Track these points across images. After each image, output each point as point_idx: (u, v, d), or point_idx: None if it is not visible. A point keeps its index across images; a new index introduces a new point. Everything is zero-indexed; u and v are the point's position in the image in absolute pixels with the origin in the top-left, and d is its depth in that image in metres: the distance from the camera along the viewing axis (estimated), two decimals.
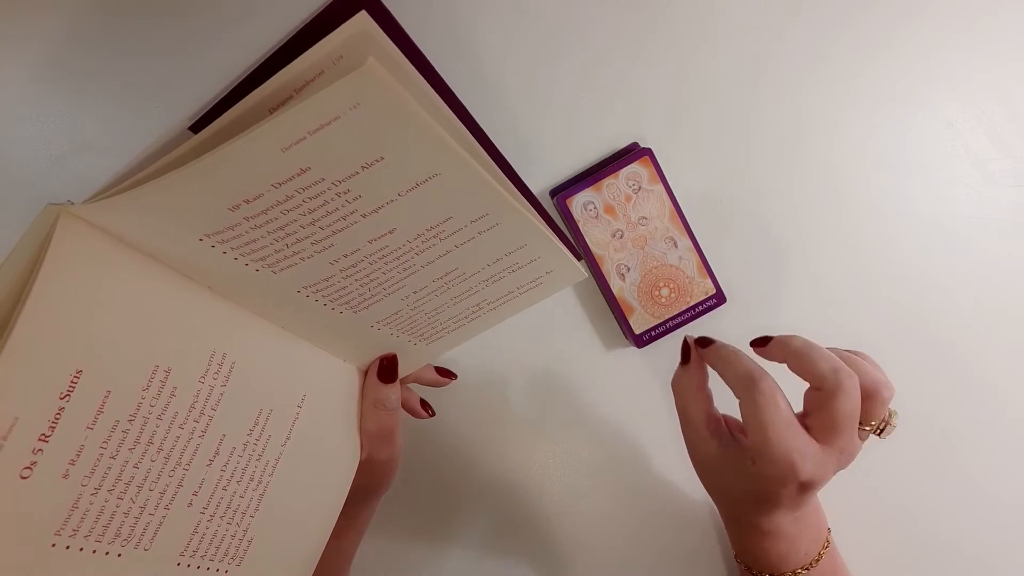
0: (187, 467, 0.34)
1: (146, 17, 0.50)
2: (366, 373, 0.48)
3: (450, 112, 0.36)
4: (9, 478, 0.27)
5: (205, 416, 0.35)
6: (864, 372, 0.42)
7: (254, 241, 0.33)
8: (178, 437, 0.33)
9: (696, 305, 0.58)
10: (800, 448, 0.40)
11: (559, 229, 0.45)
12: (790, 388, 0.42)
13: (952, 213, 0.61)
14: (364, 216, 0.34)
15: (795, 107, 0.59)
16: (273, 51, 0.33)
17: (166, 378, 0.32)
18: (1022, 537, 0.60)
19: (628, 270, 0.58)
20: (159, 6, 0.50)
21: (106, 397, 0.30)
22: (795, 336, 0.44)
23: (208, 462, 0.35)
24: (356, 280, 0.38)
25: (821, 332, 0.45)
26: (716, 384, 0.46)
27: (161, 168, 0.29)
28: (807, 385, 0.43)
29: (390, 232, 0.36)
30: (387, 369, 0.47)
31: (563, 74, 0.57)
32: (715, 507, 0.51)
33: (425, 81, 0.34)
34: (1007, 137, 0.60)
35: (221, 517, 0.36)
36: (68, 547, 0.29)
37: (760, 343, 0.45)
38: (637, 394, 0.60)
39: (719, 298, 0.59)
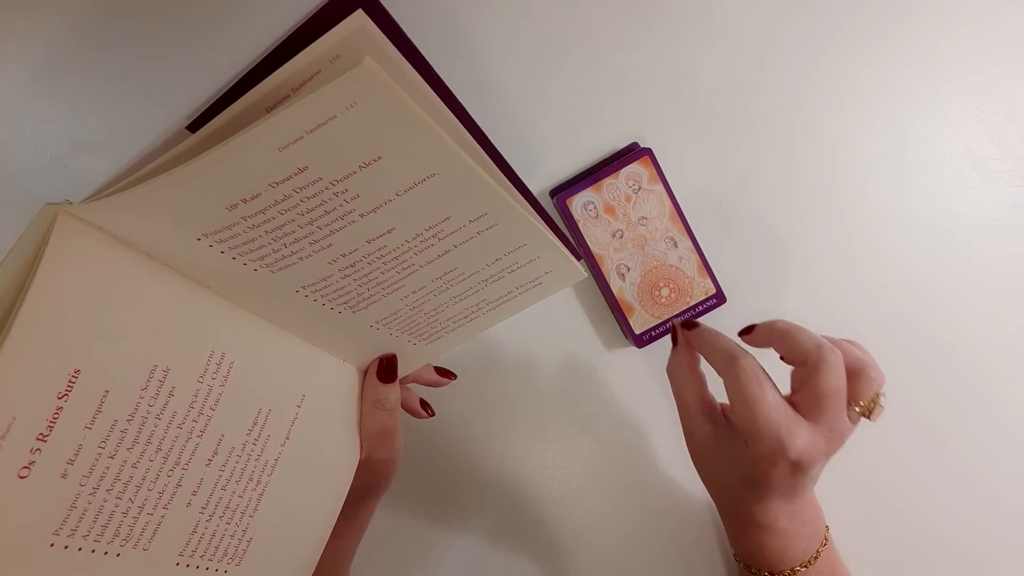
0: (186, 467, 0.34)
1: (146, 17, 0.50)
2: (365, 373, 0.48)
3: (448, 111, 0.36)
4: (7, 478, 0.27)
5: (204, 416, 0.35)
6: (849, 351, 0.43)
7: (252, 241, 0.33)
8: (177, 437, 0.33)
9: (696, 305, 0.58)
10: (788, 424, 0.40)
11: (559, 229, 0.45)
12: (781, 382, 0.43)
13: (952, 213, 0.61)
14: (362, 216, 0.34)
15: (795, 107, 0.59)
16: (270, 50, 0.33)
17: (164, 378, 0.32)
18: (1020, 536, 0.60)
19: (628, 270, 0.58)
20: (159, 6, 0.50)
21: (104, 397, 0.30)
22: (779, 320, 0.45)
23: (207, 462, 0.35)
24: (355, 280, 0.38)
25: (821, 331, 0.45)
26: (712, 379, 0.46)
27: (158, 167, 0.29)
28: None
29: (388, 232, 0.36)
30: (386, 369, 0.47)
31: (563, 74, 0.57)
32: (714, 505, 0.51)
33: (423, 80, 0.34)
34: (1007, 137, 0.60)
35: (220, 517, 0.36)
36: (66, 547, 0.29)
37: (747, 331, 0.47)
38: (637, 394, 0.60)
39: (719, 298, 0.59)
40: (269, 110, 0.30)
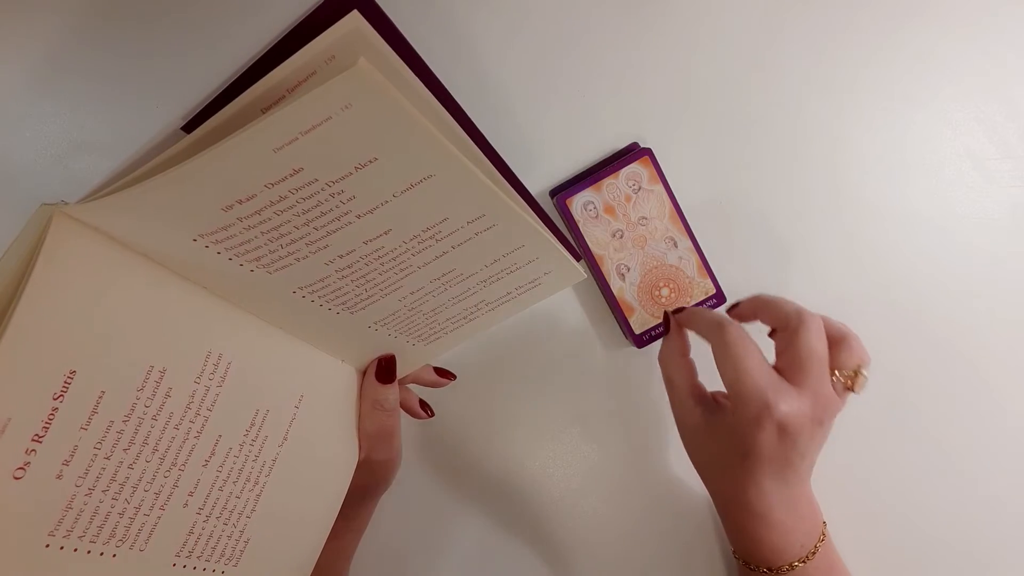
0: (183, 468, 0.34)
1: (146, 17, 0.50)
2: (364, 374, 0.48)
3: (445, 112, 0.36)
4: (2, 478, 0.27)
5: (201, 417, 0.35)
6: (831, 322, 0.46)
7: (248, 242, 0.33)
8: (173, 438, 0.33)
9: (696, 305, 0.58)
10: (774, 385, 0.42)
11: (558, 229, 0.45)
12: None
13: (952, 213, 0.60)
14: (359, 217, 0.34)
15: (795, 107, 0.59)
16: (266, 51, 0.33)
17: (161, 378, 0.32)
18: (1019, 536, 0.60)
19: (628, 270, 0.58)
20: (159, 6, 0.50)
21: (100, 397, 0.30)
22: (762, 293, 0.49)
23: (204, 462, 0.35)
24: (352, 281, 0.38)
25: None
26: (705, 373, 0.48)
27: (154, 168, 0.29)
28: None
29: (386, 233, 0.36)
30: (385, 370, 0.47)
31: (563, 74, 0.57)
32: (714, 505, 0.51)
33: (419, 81, 0.34)
34: (1007, 137, 0.60)
35: (217, 518, 0.36)
36: (62, 547, 0.29)
37: (734, 306, 0.50)
38: (637, 394, 0.60)
39: (719, 298, 0.58)
40: (265, 111, 0.30)
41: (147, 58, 0.51)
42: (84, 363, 0.29)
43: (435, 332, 0.47)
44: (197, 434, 0.34)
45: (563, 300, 0.60)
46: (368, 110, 0.27)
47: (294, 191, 0.30)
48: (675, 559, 0.60)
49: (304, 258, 0.35)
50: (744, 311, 0.49)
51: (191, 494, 0.35)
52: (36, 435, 0.28)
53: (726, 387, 0.44)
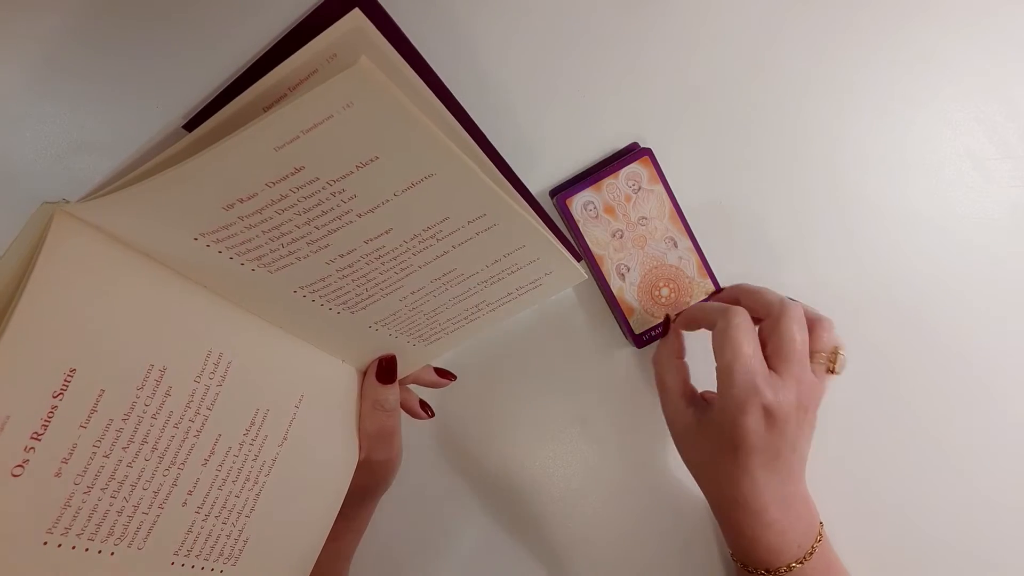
0: (182, 466, 0.34)
1: (146, 17, 0.50)
2: (365, 374, 0.48)
3: (446, 111, 0.36)
4: (1, 476, 0.27)
5: (200, 416, 0.35)
6: (807, 308, 0.48)
7: (249, 241, 0.33)
8: (172, 436, 0.33)
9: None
10: (763, 373, 0.44)
11: (559, 230, 0.45)
12: None
13: (952, 213, 0.60)
14: (360, 216, 0.34)
15: (795, 107, 0.59)
16: (267, 49, 0.33)
17: (161, 377, 0.32)
18: (1019, 536, 0.60)
19: (628, 270, 0.58)
20: (158, 6, 0.50)
21: (100, 396, 0.30)
22: (745, 282, 0.52)
23: (203, 461, 0.35)
24: (353, 280, 0.38)
25: None
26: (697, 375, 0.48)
27: (155, 167, 0.29)
28: None
29: (387, 232, 0.36)
30: (386, 370, 0.47)
31: (563, 74, 0.57)
32: (711, 508, 0.51)
33: (420, 80, 0.34)
34: (1007, 137, 0.60)
35: (216, 517, 0.36)
36: (60, 545, 0.29)
37: (716, 292, 0.54)
38: (637, 394, 0.60)
39: None
40: (266, 109, 0.30)
41: (147, 58, 0.51)
42: (84, 361, 0.29)
43: (436, 332, 0.47)
44: (197, 433, 0.34)
45: (563, 300, 0.60)
46: (369, 109, 0.27)
47: (295, 190, 0.30)
48: (675, 559, 0.60)
49: (305, 257, 0.35)
50: (727, 296, 0.51)
51: (190, 493, 0.35)
52: (35, 433, 0.28)
53: (719, 370, 0.45)
